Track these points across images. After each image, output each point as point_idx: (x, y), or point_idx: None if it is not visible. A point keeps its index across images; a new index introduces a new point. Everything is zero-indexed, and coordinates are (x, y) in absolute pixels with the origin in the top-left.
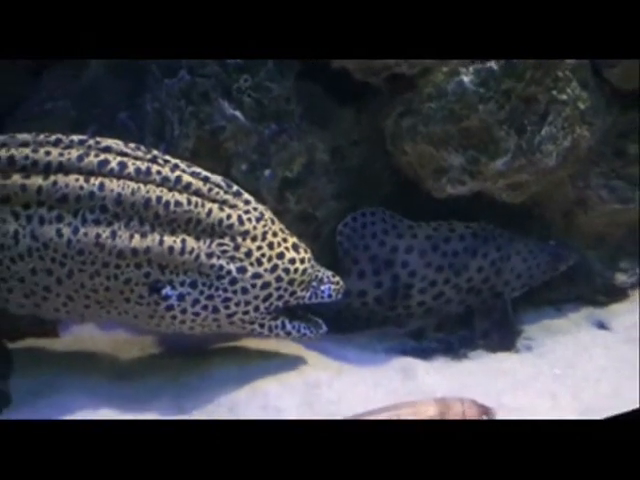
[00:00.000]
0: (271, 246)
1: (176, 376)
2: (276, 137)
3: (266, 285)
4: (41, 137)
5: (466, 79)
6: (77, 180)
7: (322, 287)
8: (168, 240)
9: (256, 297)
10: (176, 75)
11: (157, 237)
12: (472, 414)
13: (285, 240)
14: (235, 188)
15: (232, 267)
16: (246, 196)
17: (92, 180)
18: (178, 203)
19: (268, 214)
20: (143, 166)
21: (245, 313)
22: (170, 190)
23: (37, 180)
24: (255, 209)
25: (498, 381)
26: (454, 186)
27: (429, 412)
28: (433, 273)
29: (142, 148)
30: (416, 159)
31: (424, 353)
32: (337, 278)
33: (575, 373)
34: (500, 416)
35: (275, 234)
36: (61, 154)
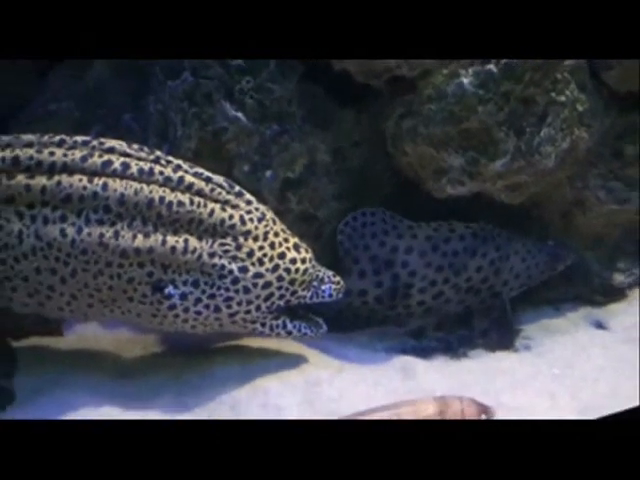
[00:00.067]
0: (272, 246)
1: (178, 374)
2: (278, 138)
3: (267, 285)
4: (45, 138)
5: (466, 81)
6: (81, 180)
7: (323, 287)
8: (171, 240)
9: (258, 296)
10: (179, 77)
11: (160, 237)
12: (471, 413)
13: (286, 240)
14: (237, 188)
15: (234, 267)
16: (248, 196)
17: (96, 180)
18: (181, 203)
19: (270, 214)
20: (146, 167)
21: (247, 312)
22: (173, 190)
23: (41, 180)
24: (257, 209)
25: (497, 380)
26: (454, 187)
27: (429, 410)
28: (433, 273)
29: (145, 149)
30: (416, 160)
31: (424, 352)
32: (338, 278)
33: (573, 373)
34: (499, 415)
35: (276, 234)
36: (65, 155)
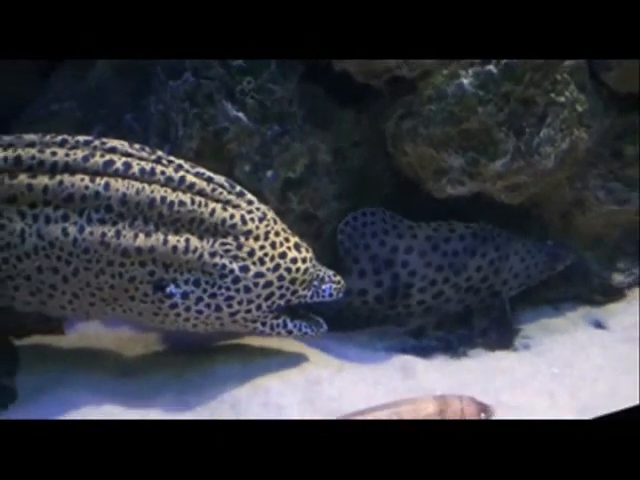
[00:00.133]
0: (273, 245)
1: (179, 373)
2: (279, 138)
3: (268, 284)
4: (47, 138)
5: (466, 82)
6: (83, 180)
7: (323, 286)
8: (172, 239)
9: (258, 296)
10: (180, 77)
11: (161, 236)
12: (471, 412)
13: (287, 240)
14: (238, 188)
15: (235, 266)
16: (249, 196)
17: (97, 180)
18: (182, 203)
19: (270, 214)
20: (147, 166)
21: (247, 312)
22: (174, 190)
23: (43, 180)
24: (258, 209)
25: (496, 379)
26: (454, 187)
27: (428, 409)
28: (433, 272)
29: (147, 149)
30: (416, 160)
31: (424, 351)
32: (338, 277)
33: (573, 372)
34: (498, 414)
35: (277, 234)
36: (67, 154)
